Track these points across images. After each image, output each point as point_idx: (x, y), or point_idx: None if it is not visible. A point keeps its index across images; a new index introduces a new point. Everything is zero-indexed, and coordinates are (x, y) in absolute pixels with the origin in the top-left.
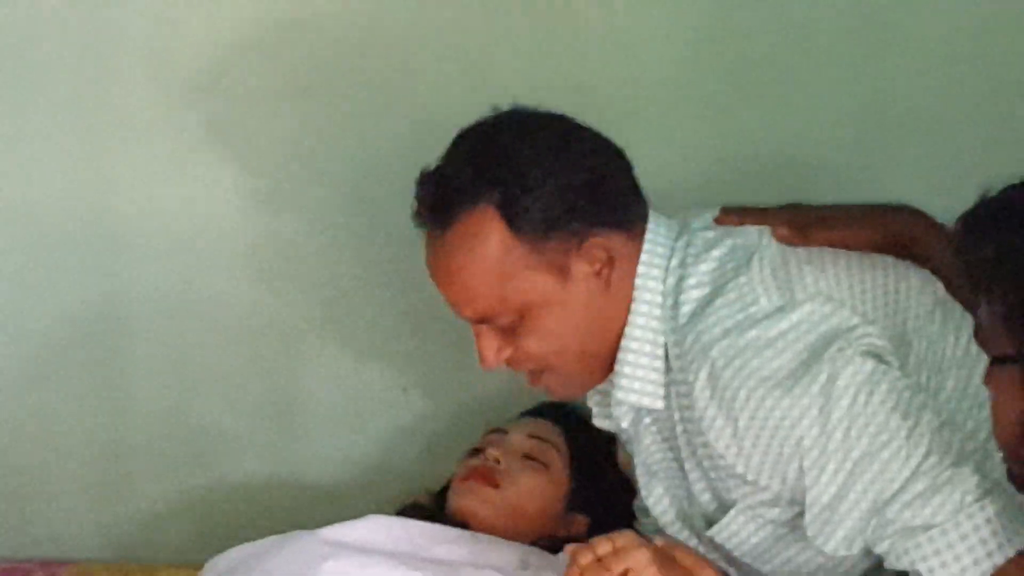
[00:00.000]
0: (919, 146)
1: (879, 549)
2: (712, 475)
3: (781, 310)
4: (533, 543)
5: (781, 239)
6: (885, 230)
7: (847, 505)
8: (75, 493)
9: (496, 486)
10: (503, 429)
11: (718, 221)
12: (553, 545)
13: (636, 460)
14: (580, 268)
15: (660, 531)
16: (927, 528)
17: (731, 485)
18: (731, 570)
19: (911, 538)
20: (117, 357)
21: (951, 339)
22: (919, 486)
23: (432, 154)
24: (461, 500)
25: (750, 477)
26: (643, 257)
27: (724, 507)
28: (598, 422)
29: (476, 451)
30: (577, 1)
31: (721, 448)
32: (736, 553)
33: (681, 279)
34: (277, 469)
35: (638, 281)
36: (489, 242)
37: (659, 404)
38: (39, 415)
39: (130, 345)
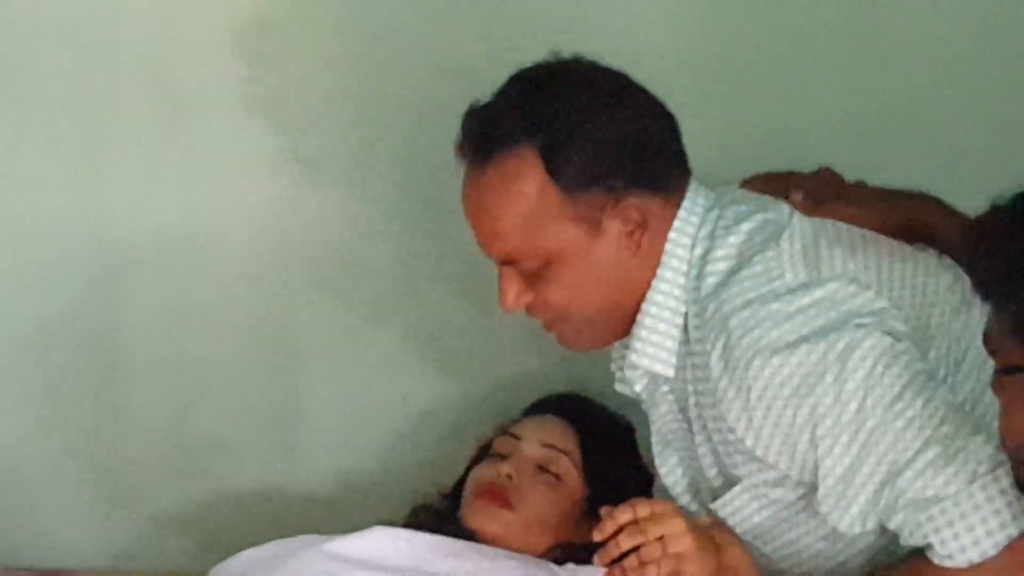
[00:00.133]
0: (919, 146)
1: (893, 523)
2: (721, 449)
3: (805, 286)
4: (550, 549)
5: (794, 205)
6: (901, 214)
7: (861, 478)
8: (75, 503)
9: (511, 507)
10: (515, 434)
11: (744, 185)
12: (568, 552)
13: (652, 428)
14: (612, 226)
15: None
16: (939, 500)
17: (738, 461)
18: None
19: (923, 511)
20: (117, 367)
21: (977, 341)
22: (930, 454)
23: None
24: (475, 521)
25: (759, 452)
26: (676, 224)
27: (729, 484)
28: (619, 387)
29: (487, 451)
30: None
31: (732, 420)
32: (738, 530)
33: (708, 250)
34: (277, 478)
35: (667, 247)
36: (526, 185)
37: (670, 372)
38: (39, 425)
39: (130, 355)
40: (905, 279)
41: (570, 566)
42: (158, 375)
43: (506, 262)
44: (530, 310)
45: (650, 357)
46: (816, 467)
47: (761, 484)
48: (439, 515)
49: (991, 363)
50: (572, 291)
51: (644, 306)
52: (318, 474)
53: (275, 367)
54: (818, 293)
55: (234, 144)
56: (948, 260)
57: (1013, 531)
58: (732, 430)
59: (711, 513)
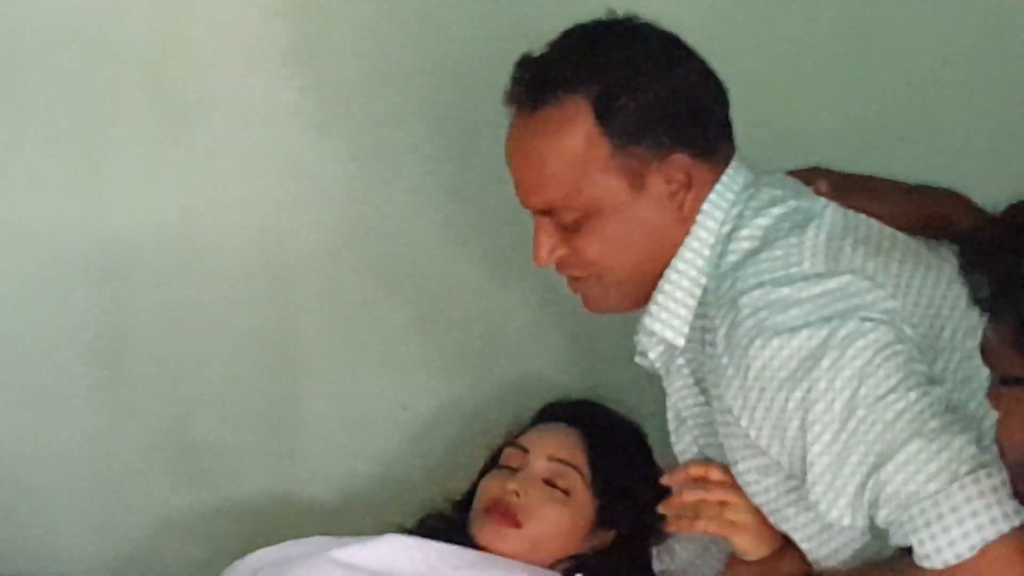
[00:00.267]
0: (919, 147)
1: (880, 519)
2: (722, 431)
3: (820, 276)
4: (559, 562)
5: (819, 193)
6: (924, 210)
7: (849, 467)
8: (75, 510)
9: (518, 526)
10: (523, 446)
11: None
12: (578, 563)
13: (668, 404)
14: (656, 183)
15: None
16: (920, 499)
17: (735, 445)
18: None
19: (906, 509)
20: (117, 374)
21: None
22: (914, 447)
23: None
24: (483, 538)
25: (752, 433)
26: (711, 196)
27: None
28: (638, 359)
29: (496, 461)
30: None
31: (729, 398)
32: None
33: (735, 228)
34: (277, 485)
35: (699, 217)
36: (576, 133)
37: (680, 341)
38: (39, 432)
39: (130, 362)
40: (923, 289)
41: None
42: (158, 379)
43: (545, 212)
44: (561, 265)
45: (663, 323)
46: (804, 454)
47: (754, 470)
48: (449, 525)
49: None
50: (608, 246)
51: (666, 271)
52: (318, 482)
53: (275, 375)
54: (831, 283)
55: (234, 146)
56: None
57: (989, 534)
58: (730, 410)
59: None
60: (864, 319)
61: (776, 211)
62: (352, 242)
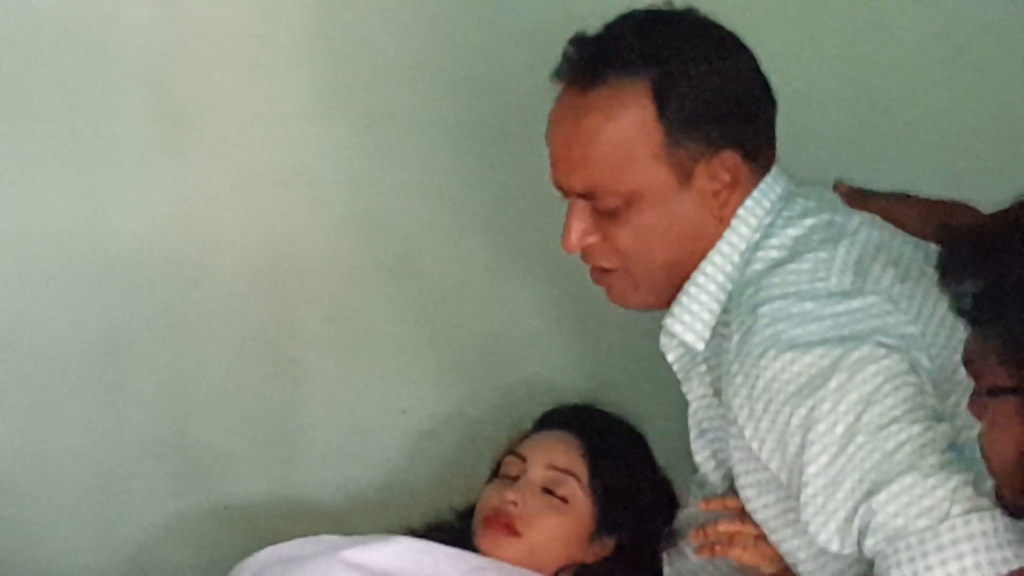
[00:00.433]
0: (919, 146)
1: (867, 549)
2: (731, 442)
3: (845, 294)
4: (560, 569)
5: (841, 194)
6: (937, 214)
7: (843, 493)
8: (75, 516)
9: (517, 535)
10: (521, 455)
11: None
12: (579, 571)
13: (689, 411)
14: (702, 179)
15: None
16: (907, 534)
17: (739, 457)
18: None
19: (892, 543)
20: (117, 379)
21: None
22: (908, 480)
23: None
24: (484, 547)
25: (755, 445)
26: (748, 202)
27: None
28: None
29: (497, 471)
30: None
31: (736, 407)
32: None
33: (765, 237)
34: (277, 491)
35: (734, 221)
36: (631, 115)
37: (700, 345)
38: (38, 438)
39: (131, 367)
40: (946, 321)
41: None
42: (157, 388)
43: (583, 195)
44: (590, 254)
45: (684, 325)
46: (801, 473)
47: (754, 485)
48: (455, 535)
49: None
50: (642, 237)
51: (694, 273)
52: (318, 487)
53: (274, 380)
54: (855, 303)
55: (234, 151)
56: None
57: None
58: (736, 420)
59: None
60: (880, 344)
61: (808, 222)
62: (352, 248)
